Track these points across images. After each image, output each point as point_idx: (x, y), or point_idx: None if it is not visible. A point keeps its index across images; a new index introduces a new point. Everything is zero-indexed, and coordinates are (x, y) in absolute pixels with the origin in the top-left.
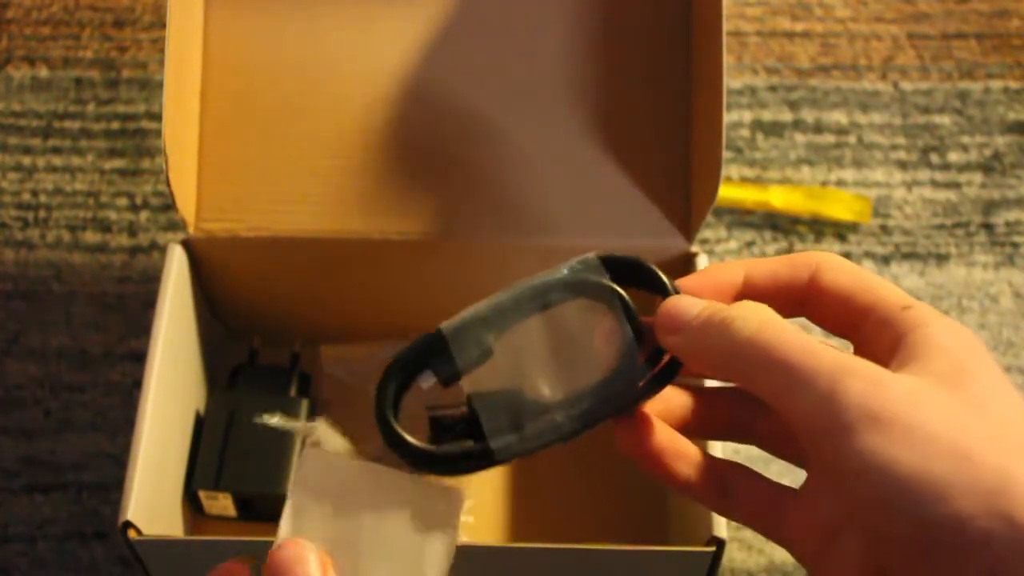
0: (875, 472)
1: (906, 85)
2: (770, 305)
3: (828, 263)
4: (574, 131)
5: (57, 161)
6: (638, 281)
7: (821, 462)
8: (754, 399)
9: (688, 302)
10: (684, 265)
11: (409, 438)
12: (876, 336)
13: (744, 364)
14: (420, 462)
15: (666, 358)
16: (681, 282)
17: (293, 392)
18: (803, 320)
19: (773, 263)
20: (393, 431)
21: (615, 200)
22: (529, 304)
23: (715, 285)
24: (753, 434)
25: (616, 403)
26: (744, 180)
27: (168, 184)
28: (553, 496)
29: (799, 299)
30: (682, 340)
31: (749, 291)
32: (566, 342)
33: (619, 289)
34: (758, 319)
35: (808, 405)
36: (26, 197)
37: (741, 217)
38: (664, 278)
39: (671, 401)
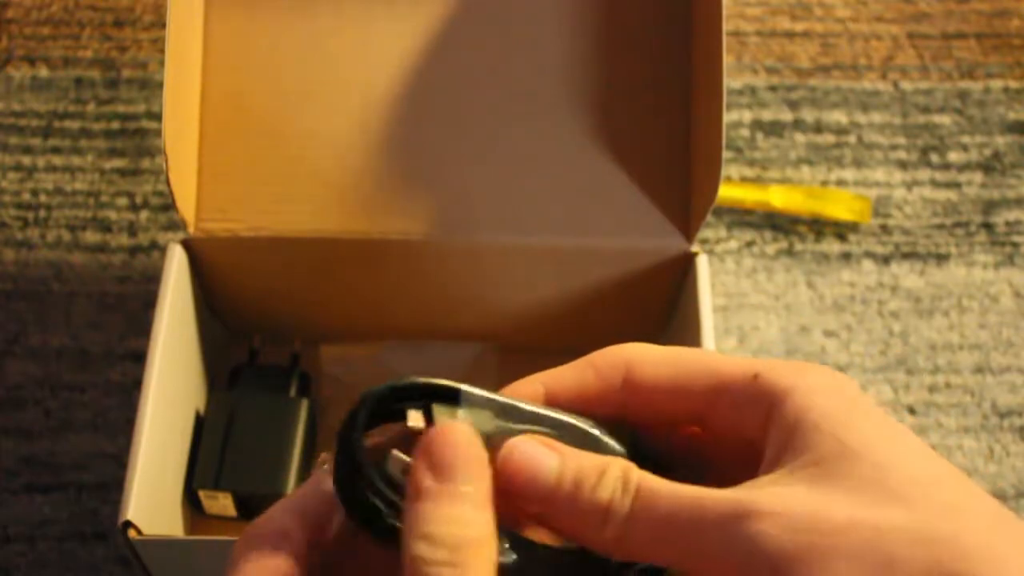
0: None
1: (906, 85)
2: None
3: (638, 357)
4: (574, 131)
5: (57, 161)
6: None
7: None
8: None
9: (537, 452)
10: (684, 265)
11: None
12: (735, 422)
13: (637, 546)
14: (382, 536)
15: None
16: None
17: (293, 392)
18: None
19: (574, 373)
20: (358, 482)
21: (615, 200)
22: (543, 426)
23: None
24: None
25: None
26: (744, 180)
27: (168, 184)
28: None
29: (617, 406)
30: (547, 515)
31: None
32: None
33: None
34: (631, 491)
35: (722, 564)
36: (26, 197)
37: (741, 217)
38: None
39: None
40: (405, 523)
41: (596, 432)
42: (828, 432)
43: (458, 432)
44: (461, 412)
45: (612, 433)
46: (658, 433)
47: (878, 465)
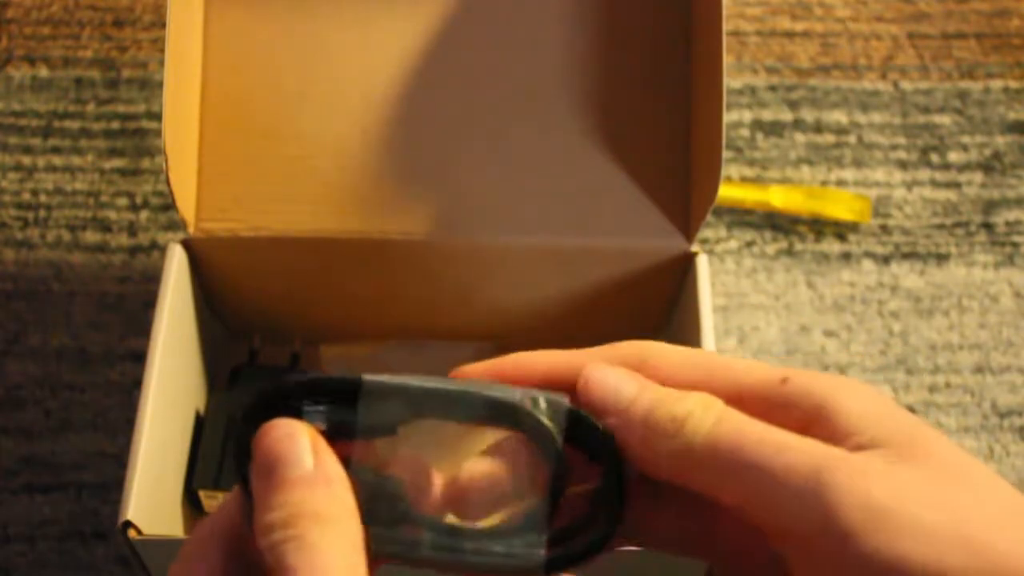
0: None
1: (906, 85)
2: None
3: (655, 353)
4: (574, 131)
5: (57, 161)
6: (591, 449)
7: (817, 570)
8: (708, 504)
9: (617, 377)
10: (684, 265)
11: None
12: (779, 417)
13: (702, 469)
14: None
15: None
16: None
17: None
18: None
19: (590, 357)
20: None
21: (615, 200)
22: (461, 408)
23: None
24: (710, 547)
25: (493, 567)
26: (744, 180)
27: (168, 184)
28: None
29: None
30: (618, 426)
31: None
32: (477, 468)
33: (562, 451)
34: (714, 414)
35: (792, 509)
36: (26, 197)
37: (741, 217)
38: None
39: None
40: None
41: (527, 407)
42: (890, 425)
43: (278, 429)
44: (361, 408)
45: (553, 413)
46: None
47: (944, 456)
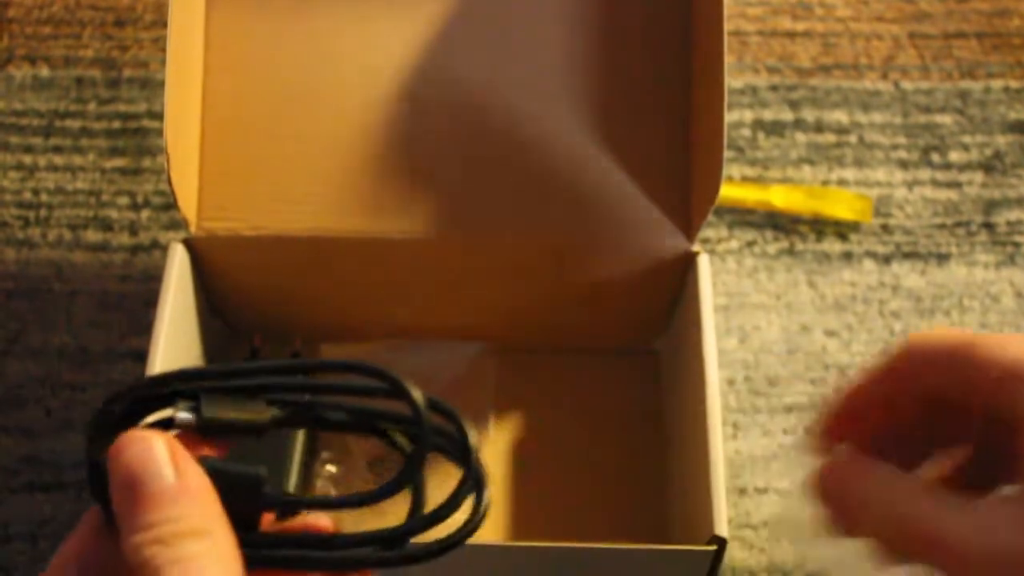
0: None
1: (907, 84)
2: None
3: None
4: (574, 131)
5: (58, 160)
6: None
7: None
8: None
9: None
10: (685, 264)
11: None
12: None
13: None
14: None
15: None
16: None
17: None
18: None
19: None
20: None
21: (615, 200)
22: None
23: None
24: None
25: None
26: (745, 179)
27: (169, 183)
28: (553, 495)
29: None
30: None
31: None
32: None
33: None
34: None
35: None
36: (27, 196)
37: (742, 216)
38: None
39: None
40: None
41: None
42: None
43: (132, 444)
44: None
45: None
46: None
47: None
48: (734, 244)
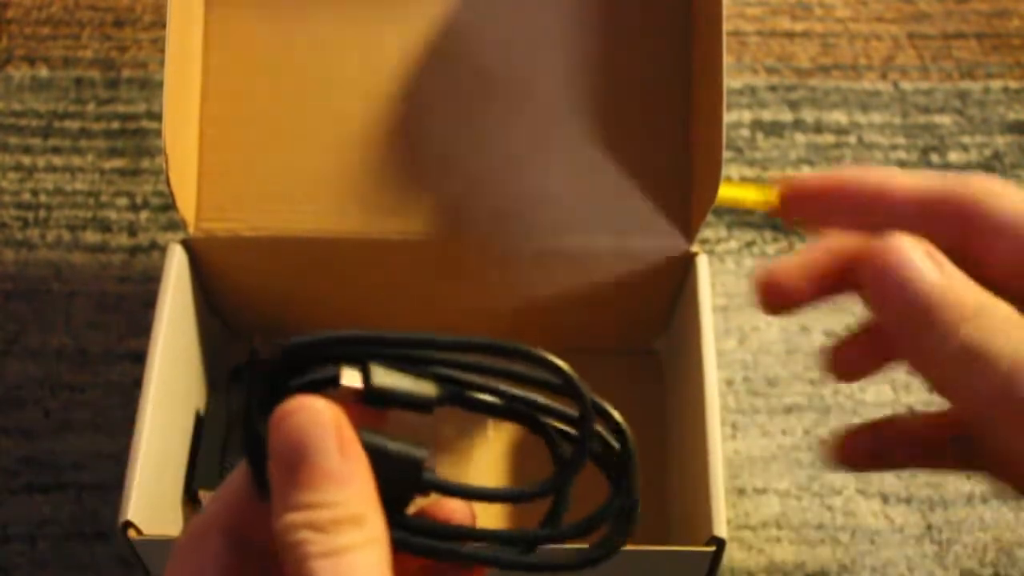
0: None
1: (906, 85)
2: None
3: (994, 189)
4: (574, 131)
5: (57, 161)
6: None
7: None
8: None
9: (923, 270)
10: (684, 265)
11: None
12: None
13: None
14: None
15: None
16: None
17: None
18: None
19: (921, 177)
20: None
21: (615, 200)
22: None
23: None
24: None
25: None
26: (744, 180)
27: (168, 184)
28: None
29: (958, 228)
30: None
31: (883, 203)
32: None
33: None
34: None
35: None
36: (26, 197)
37: (741, 217)
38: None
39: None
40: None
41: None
42: None
43: (299, 414)
44: (375, 369)
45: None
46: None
47: None
48: (733, 244)
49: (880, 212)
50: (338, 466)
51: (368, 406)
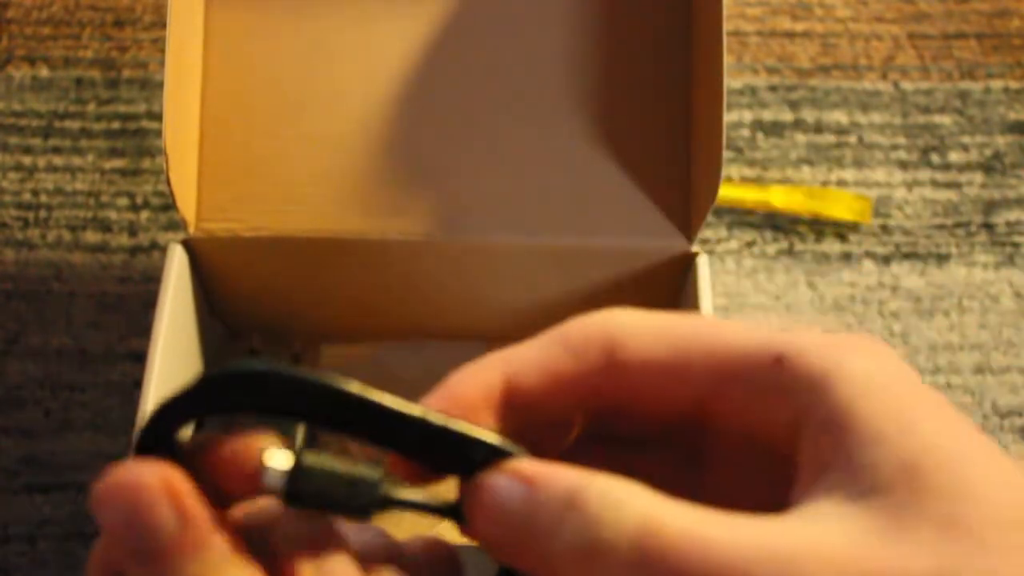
0: None
1: (906, 85)
2: (550, 411)
3: (625, 330)
4: (574, 131)
5: (57, 161)
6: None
7: None
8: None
9: (501, 485)
10: (684, 265)
11: None
12: (749, 415)
13: None
14: None
15: None
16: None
17: None
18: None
19: (544, 352)
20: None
21: (615, 200)
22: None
23: (463, 403)
24: None
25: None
26: (744, 180)
27: (168, 184)
28: None
29: (593, 391)
30: (501, 541)
31: (518, 400)
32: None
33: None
34: (637, 515)
35: None
36: (26, 197)
37: (742, 217)
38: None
39: None
40: None
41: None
42: (885, 445)
43: (127, 490)
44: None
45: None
46: (642, 424)
47: (952, 493)
48: (733, 245)
49: (516, 402)
50: (180, 538)
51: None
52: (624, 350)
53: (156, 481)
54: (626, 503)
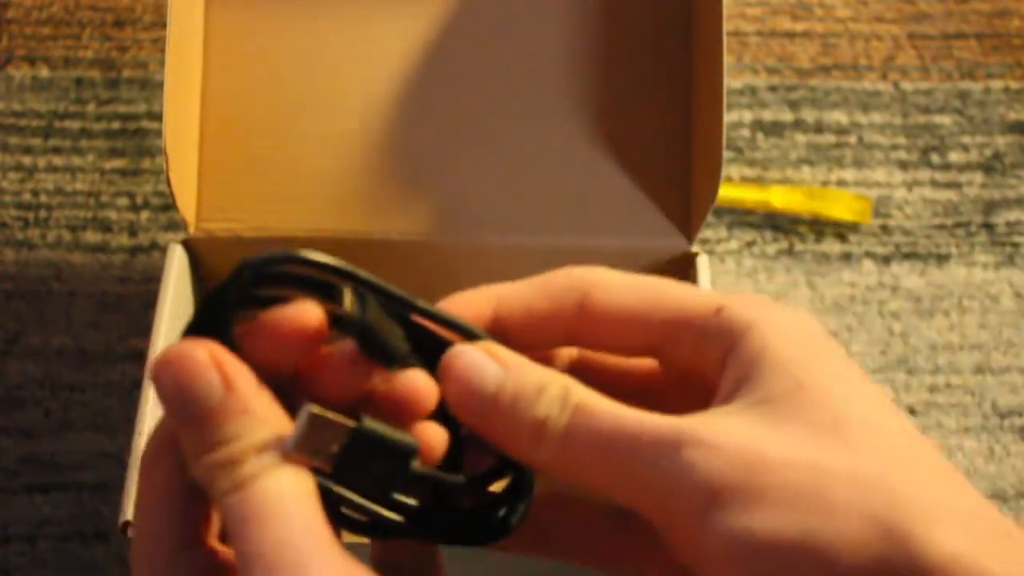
0: (742, 555)
1: (906, 85)
2: (528, 342)
3: (598, 281)
4: (574, 131)
5: (57, 161)
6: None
7: (693, 551)
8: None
9: (480, 363)
10: (685, 265)
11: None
12: (694, 357)
13: (572, 467)
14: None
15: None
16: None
17: None
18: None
19: (528, 291)
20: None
21: (615, 200)
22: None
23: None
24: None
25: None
26: (744, 180)
27: (168, 184)
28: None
29: (567, 331)
30: (482, 424)
31: (499, 327)
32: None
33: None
34: (568, 410)
35: (657, 490)
36: (26, 197)
37: (742, 217)
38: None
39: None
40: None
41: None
42: (784, 370)
43: (178, 361)
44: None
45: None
46: (608, 364)
47: (829, 407)
48: (733, 245)
49: (499, 331)
50: (224, 401)
51: (341, 336)
52: (595, 299)
53: (203, 354)
54: (572, 392)
